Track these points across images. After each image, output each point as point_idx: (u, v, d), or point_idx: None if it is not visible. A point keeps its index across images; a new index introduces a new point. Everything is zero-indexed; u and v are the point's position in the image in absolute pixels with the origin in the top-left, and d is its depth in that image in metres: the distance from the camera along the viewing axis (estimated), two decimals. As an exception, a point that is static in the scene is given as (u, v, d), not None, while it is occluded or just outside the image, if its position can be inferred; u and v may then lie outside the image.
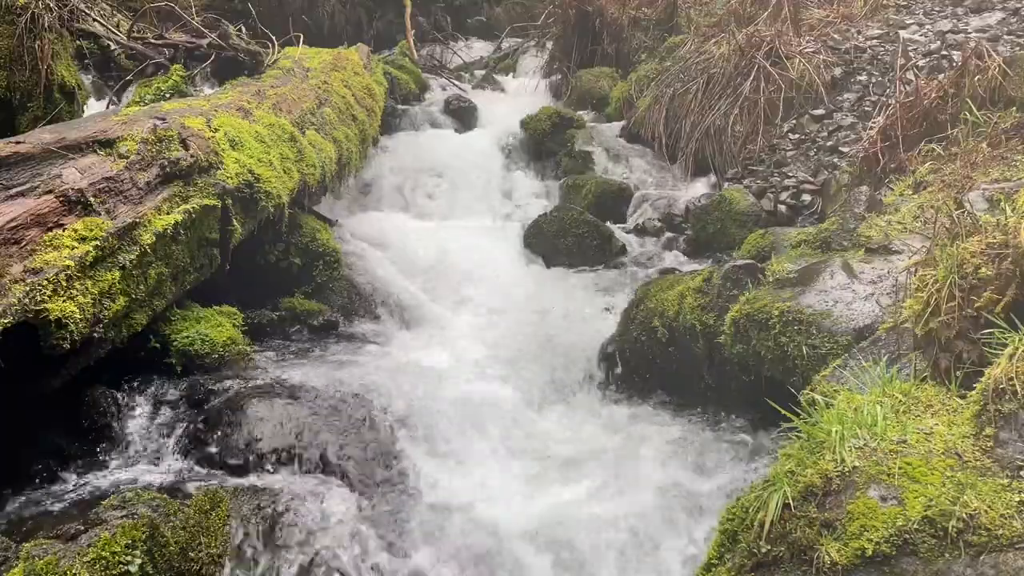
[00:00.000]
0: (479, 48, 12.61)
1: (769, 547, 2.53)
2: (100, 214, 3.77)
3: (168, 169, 4.25)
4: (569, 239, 6.53)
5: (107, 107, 6.77)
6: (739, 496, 2.87)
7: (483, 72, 11.38)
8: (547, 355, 5.18)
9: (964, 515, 2.28)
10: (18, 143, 3.79)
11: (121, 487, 3.67)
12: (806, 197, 6.56)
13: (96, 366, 4.06)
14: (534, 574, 3.55)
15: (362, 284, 5.84)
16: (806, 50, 7.53)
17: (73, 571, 2.94)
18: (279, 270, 5.57)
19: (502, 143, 8.35)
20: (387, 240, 6.55)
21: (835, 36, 7.87)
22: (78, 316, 3.53)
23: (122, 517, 3.21)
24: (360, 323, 5.58)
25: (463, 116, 9.35)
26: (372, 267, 6.11)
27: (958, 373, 2.85)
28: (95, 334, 3.71)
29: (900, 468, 2.46)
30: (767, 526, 2.55)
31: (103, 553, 3.02)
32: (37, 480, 3.80)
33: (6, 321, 3.24)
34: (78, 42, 6.99)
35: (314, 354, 4.98)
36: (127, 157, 4.07)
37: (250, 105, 5.44)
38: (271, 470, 3.92)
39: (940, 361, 2.92)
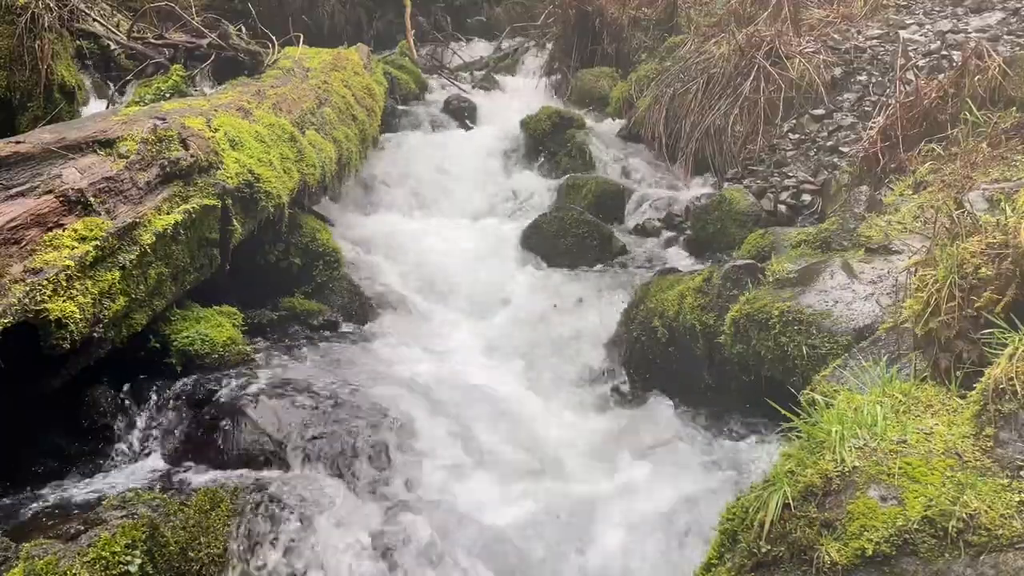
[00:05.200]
0: (479, 48, 12.60)
1: (769, 547, 2.53)
2: (100, 214, 3.77)
3: (168, 169, 4.25)
4: (569, 239, 6.53)
5: (107, 107, 6.77)
6: (739, 496, 2.87)
7: (483, 72, 11.38)
8: (546, 355, 5.18)
9: (964, 515, 2.28)
10: (18, 143, 3.79)
11: (121, 487, 3.67)
12: (806, 197, 6.56)
13: (96, 366, 4.06)
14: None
15: (362, 284, 5.84)
16: (806, 50, 7.53)
17: (73, 571, 2.95)
18: (279, 270, 5.57)
19: (502, 143, 8.35)
20: (387, 240, 6.55)
21: (835, 36, 7.87)
22: (78, 316, 3.53)
23: (122, 517, 3.21)
24: (360, 323, 5.58)
25: (463, 116, 9.35)
26: (372, 267, 6.11)
27: (958, 373, 2.85)
28: (95, 334, 3.71)
29: (900, 468, 2.46)
30: (767, 526, 2.55)
31: (103, 553, 3.03)
32: (37, 480, 3.80)
33: (6, 321, 3.24)
34: (78, 42, 7.00)
35: (314, 354, 4.97)
36: (127, 157, 4.07)
37: (250, 105, 5.44)
38: (271, 469, 3.92)
39: (940, 361, 2.92)
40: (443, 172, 7.86)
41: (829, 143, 6.90)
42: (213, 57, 6.76)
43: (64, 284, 3.50)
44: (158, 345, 4.43)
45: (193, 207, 4.33)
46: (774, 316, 3.95)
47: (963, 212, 3.06)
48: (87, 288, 3.62)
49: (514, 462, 4.19)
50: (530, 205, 7.49)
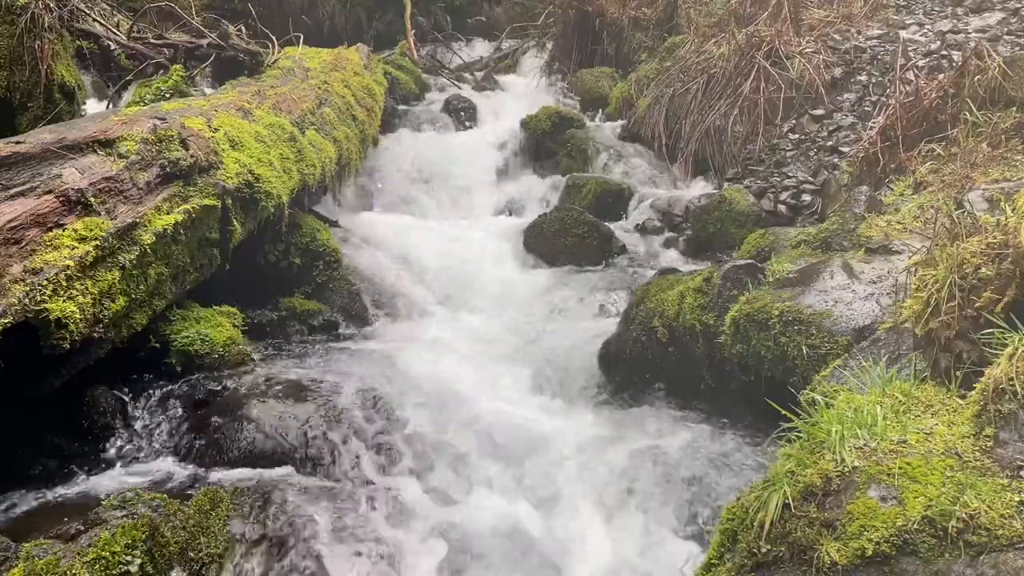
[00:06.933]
0: (479, 48, 12.62)
1: (769, 547, 2.53)
2: (100, 214, 3.77)
3: (168, 169, 4.26)
4: (569, 239, 6.53)
5: (107, 107, 6.77)
6: (739, 496, 2.86)
7: (483, 72, 11.38)
8: (547, 355, 5.17)
9: (964, 515, 2.28)
10: (18, 143, 3.79)
11: (121, 487, 3.67)
12: (806, 197, 6.56)
13: (96, 366, 4.06)
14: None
15: (362, 284, 5.84)
16: (806, 50, 7.54)
17: (73, 571, 2.94)
18: (279, 270, 5.57)
19: (502, 143, 8.35)
20: (387, 240, 6.55)
21: (835, 36, 7.87)
22: (78, 316, 3.53)
23: (122, 517, 3.21)
24: (360, 323, 5.59)
25: (463, 116, 9.36)
26: (372, 267, 6.11)
27: (958, 373, 2.85)
28: (95, 334, 3.71)
29: (900, 468, 2.46)
30: (767, 526, 2.55)
31: (103, 553, 3.03)
32: (37, 480, 3.80)
33: (6, 321, 3.24)
34: (78, 42, 7.00)
35: (314, 354, 4.98)
36: (127, 157, 4.07)
37: (250, 105, 5.44)
38: (271, 470, 3.92)
39: (940, 361, 2.92)
40: (443, 172, 7.86)
41: (829, 143, 6.90)
42: (213, 57, 6.77)
43: (64, 284, 3.50)
44: (158, 345, 4.44)
45: (193, 207, 4.33)
46: (774, 316, 3.95)
47: (963, 212, 3.06)
48: (87, 288, 3.62)
49: (503, 465, 4.18)
50: (530, 205, 7.50)
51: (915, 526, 2.33)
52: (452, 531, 3.70)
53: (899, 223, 4.48)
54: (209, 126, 4.78)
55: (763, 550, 2.54)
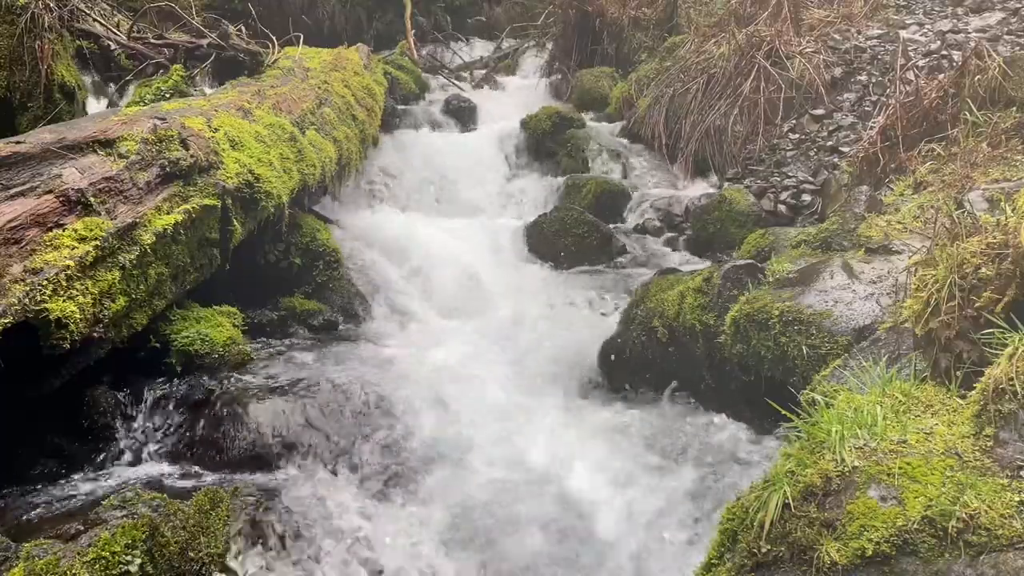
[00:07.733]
0: (479, 48, 12.62)
1: (769, 547, 2.53)
2: (100, 214, 3.77)
3: (168, 169, 4.26)
4: (569, 239, 6.53)
5: (107, 107, 6.78)
6: (739, 496, 2.86)
7: (483, 72, 11.39)
8: (546, 355, 5.17)
9: (964, 515, 2.28)
10: (18, 143, 3.79)
11: (121, 487, 3.67)
12: (806, 197, 6.56)
13: (96, 366, 4.06)
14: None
15: (362, 284, 5.84)
16: (806, 50, 7.54)
17: (73, 571, 2.95)
18: (279, 270, 5.57)
19: (502, 143, 8.35)
20: (386, 240, 6.54)
21: (835, 36, 7.87)
22: (78, 316, 3.53)
23: (122, 517, 3.21)
24: (360, 323, 5.58)
25: (463, 116, 9.37)
26: (372, 267, 6.11)
27: (958, 373, 2.85)
28: (95, 334, 3.71)
29: (900, 468, 2.46)
30: (767, 526, 2.55)
31: (103, 553, 3.03)
32: (37, 480, 3.80)
33: (6, 321, 3.24)
34: (78, 42, 7.00)
35: (314, 354, 4.97)
36: (127, 157, 4.07)
37: (250, 105, 5.44)
38: (272, 469, 3.92)
39: (940, 361, 2.92)
40: (443, 172, 7.87)
41: (829, 143, 6.90)
42: (213, 57, 6.77)
43: (64, 284, 3.50)
44: (158, 345, 4.44)
45: (193, 207, 4.33)
46: (774, 316, 3.95)
47: (963, 212, 3.06)
48: (87, 288, 3.62)
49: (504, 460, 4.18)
50: (530, 205, 7.50)
51: (915, 526, 2.33)
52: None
53: (899, 223, 4.48)
54: (209, 126, 4.78)
55: (763, 550, 2.54)
